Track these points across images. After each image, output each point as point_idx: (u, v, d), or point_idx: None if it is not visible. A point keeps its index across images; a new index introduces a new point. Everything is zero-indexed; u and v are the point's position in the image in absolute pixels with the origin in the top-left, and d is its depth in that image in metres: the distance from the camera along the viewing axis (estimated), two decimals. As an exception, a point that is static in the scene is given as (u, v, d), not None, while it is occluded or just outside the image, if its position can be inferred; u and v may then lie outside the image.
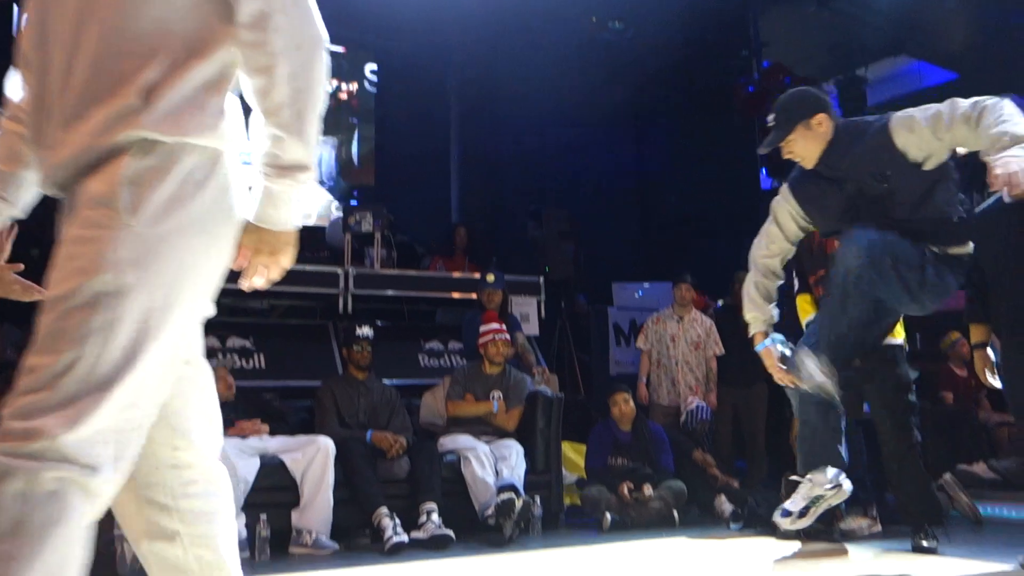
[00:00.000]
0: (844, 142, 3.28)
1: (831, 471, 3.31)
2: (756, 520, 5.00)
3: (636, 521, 5.17)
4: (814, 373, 3.08)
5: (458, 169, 9.59)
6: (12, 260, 1.84)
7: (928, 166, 3.16)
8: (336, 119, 10.06)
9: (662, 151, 10.81)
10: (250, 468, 4.48)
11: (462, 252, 7.69)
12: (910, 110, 3.21)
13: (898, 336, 4.17)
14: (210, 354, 5.69)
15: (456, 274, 6.99)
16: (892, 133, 3.17)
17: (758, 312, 3.47)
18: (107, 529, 3.94)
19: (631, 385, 6.33)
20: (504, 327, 5.59)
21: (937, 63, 9.42)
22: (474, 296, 6.31)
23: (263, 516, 4.36)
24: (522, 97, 9.31)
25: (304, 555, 4.39)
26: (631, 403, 5.79)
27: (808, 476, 3.36)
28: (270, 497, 4.51)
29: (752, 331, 3.52)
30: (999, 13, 8.25)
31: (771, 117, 3.36)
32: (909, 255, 3.11)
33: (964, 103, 3.08)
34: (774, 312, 3.50)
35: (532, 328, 6.88)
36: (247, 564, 4.16)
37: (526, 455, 5.18)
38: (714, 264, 8.83)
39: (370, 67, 10.21)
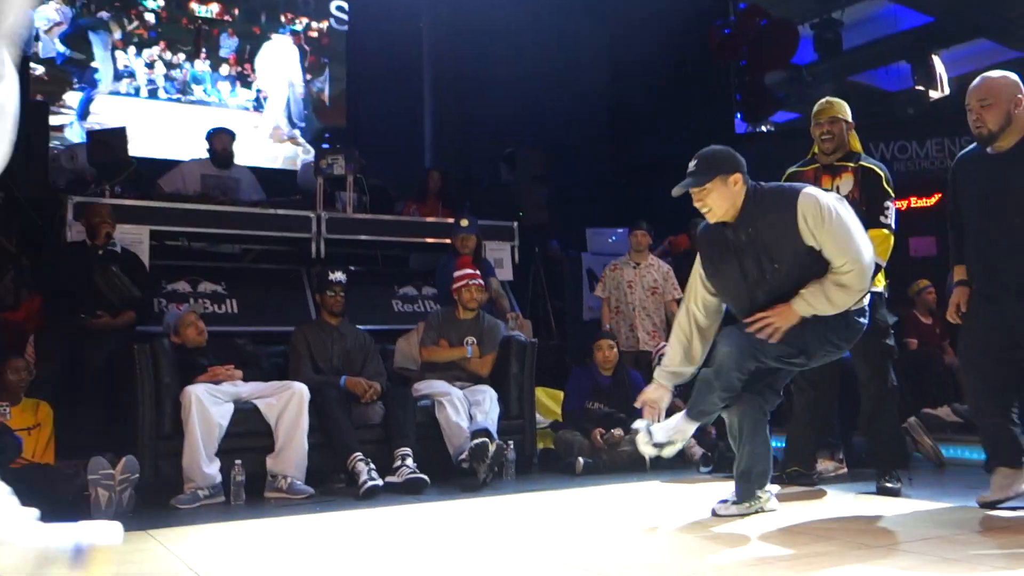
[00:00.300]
0: (749, 209, 3.37)
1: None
2: (726, 464, 5.08)
3: (608, 465, 5.23)
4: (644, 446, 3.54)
5: (431, 111, 9.46)
6: None
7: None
8: (307, 57, 9.89)
9: (637, 94, 10.72)
10: (224, 414, 4.48)
11: (435, 197, 7.62)
12: (815, 194, 3.33)
13: (878, 284, 4.21)
14: (182, 299, 5.69)
15: (430, 219, 6.95)
16: (797, 210, 3.25)
17: (670, 364, 3.62)
18: (81, 474, 3.96)
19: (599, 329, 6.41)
20: (478, 272, 5.58)
21: (913, 6, 9.37)
22: (448, 241, 6.28)
23: (238, 461, 4.38)
24: (496, 39, 9.17)
25: (279, 499, 4.41)
26: (615, 349, 5.83)
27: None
28: (244, 442, 4.53)
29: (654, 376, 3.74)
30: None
31: (692, 164, 3.46)
32: (778, 349, 3.33)
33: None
34: (686, 372, 3.61)
35: (506, 273, 6.88)
36: (222, 508, 4.22)
37: (500, 400, 5.21)
38: (688, 208, 8.84)
39: (337, 4, 9.99)
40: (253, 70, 9.59)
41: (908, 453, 4.83)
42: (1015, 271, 3.51)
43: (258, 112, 9.60)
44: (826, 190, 4.18)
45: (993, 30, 8.67)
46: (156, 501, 4.26)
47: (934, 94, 9.01)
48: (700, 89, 9.81)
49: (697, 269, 3.65)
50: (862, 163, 4.25)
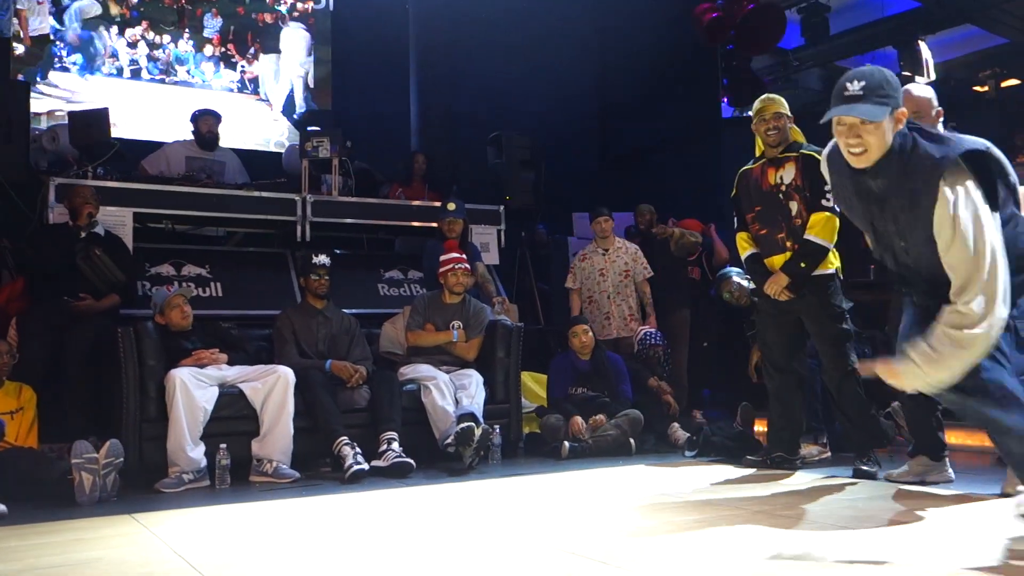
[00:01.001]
0: (893, 162, 2.63)
1: None
2: (711, 447, 5.11)
3: (594, 449, 5.25)
4: None
5: (417, 94, 9.40)
6: None
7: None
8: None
9: (623, 78, 10.70)
10: (209, 397, 4.46)
11: (420, 180, 7.59)
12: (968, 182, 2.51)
13: (830, 266, 4.31)
14: (166, 282, 5.65)
15: (416, 202, 6.91)
16: (940, 186, 2.50)
17: None
18: (65, 458, 3.94)
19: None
20: (464, 256, 5.57)
21: (900, -8, 9.37)
22: (434, 225, 6.26)
23: (223, 445, 4.37)
24: (483, 23, 9.12)
25: (265, 483, 4.40)
26: (590, 334, 5.84)
27: None
28: (230, 426, 4.52)
29: None
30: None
31: (856, 86, 2.60)
32: None
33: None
34: None
35: (492, 258, 6.87)
36: (207, 492, 4.21)
37: (486, 384, 5.22)
38: (675, 192, 8.85)
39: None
40: (237, 50, 9.51)
41: (890, 436, 4.89)
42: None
43: (242, 93, 9.53)
44: (772, 183, 4.31)
45: (979, 16, 8.69)
46: (140, 485, 4.24)
47: (920, 79, 9.03)
48: (686, 74, 9.79)
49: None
50: (803, 151, 4.40)
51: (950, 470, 3.99)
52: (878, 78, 2.61)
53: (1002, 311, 2.41)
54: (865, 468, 4.18)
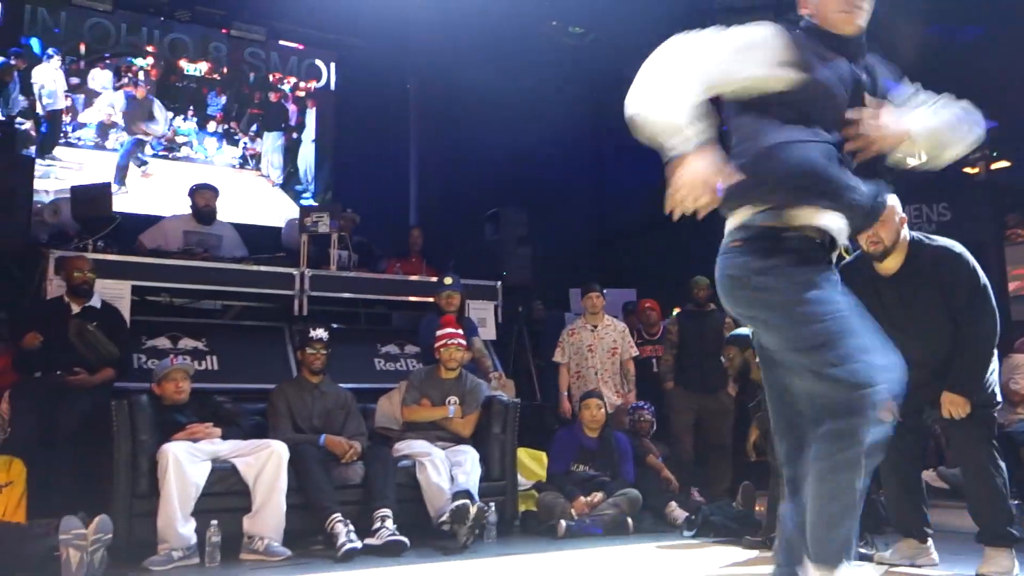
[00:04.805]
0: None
1: None
2: (710, 527, 5.04)
3: (591, 528, 5.17)
4: None
5: (417, 170, 9.55)
6: None
7: None
8: (296, 117, 10.00)
9: (621, 154, 10.85)
10: (201, 473, 4.41)
11: (418, 254, 7.65)
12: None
13: None
14: (162, 354, 5.63)
15: (413, 277, 6.95)
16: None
17: None
18: (53, 534, 3.87)
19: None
20: (461, 332, 5.56)
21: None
22: (431, 300, 6.28)
23: (214, 521, 4.29)
24: (481, 99, 9.29)
25: (256, 561, 4.32)
26: (603, 410, 5.79)
27: None
28: (221, 502, 4.44)
29: None
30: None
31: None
32: None
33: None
34: None
35: (489, 333, 6.87)
36: (196, 570, 4.12)
37: (482, 461, 5.16)
38: (674, 270, 8.88)
39: (324, 63, 10.17)
40: (240, 128, 9.67)
41: (886, 517, 4.83)
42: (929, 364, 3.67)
43: (244, 169, 9.66)
44: None
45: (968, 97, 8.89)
46: (129, 562, 4.16)
47: (912, 161, 9.15)
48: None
49: None
50: None
51: (934, 553, 4.02)
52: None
53: None
54: (862, 551, 4.15)
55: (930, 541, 4.03)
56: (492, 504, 5.07)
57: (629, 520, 5.29)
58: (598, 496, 5.36)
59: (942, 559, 4.01)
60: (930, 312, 3.64)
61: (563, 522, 5.12)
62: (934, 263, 3.63)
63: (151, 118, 9.07)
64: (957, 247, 3.67)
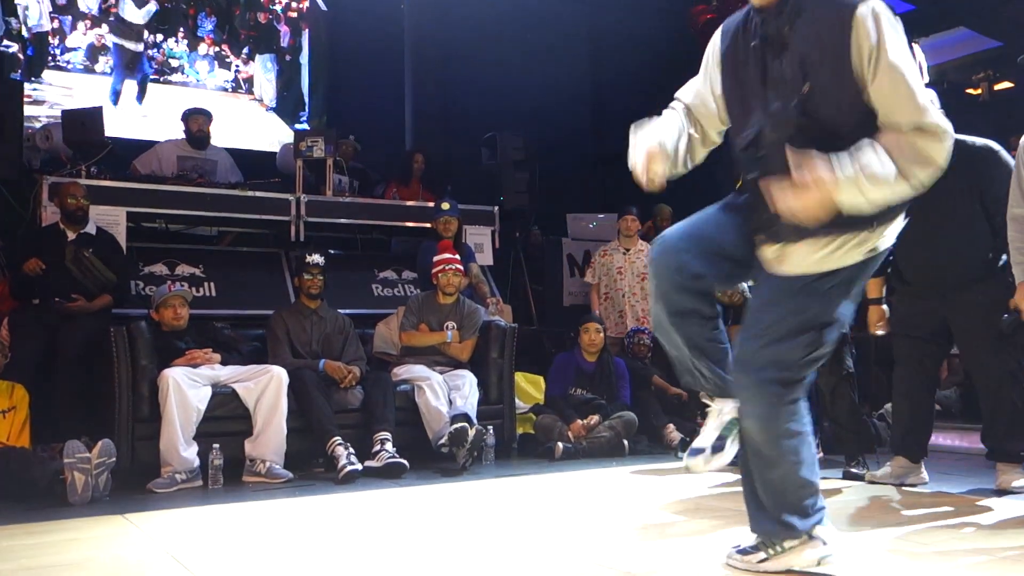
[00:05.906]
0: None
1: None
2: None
3: (587, 450, 5.25)
4: None
5: (412, 94, 9.39)
6: None
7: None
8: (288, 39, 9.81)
9: (618, 78, 10.69)
10: (202, 397, 4.46)
11: (418, 179, 7.59)
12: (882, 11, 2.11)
13: None
14: (159, 281, 5.62)
15: (411, 202, 6.91)
16: (852, 24, 2.11)
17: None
18: (57, 458, 3.93)
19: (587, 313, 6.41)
20: (458, 257, 5.56)
21: (894, -5, 9.41)
22: (428, 225, 6.25)
23: (216, 445, 4.35)
24: (478, 23, 9.11)
25: (258, 484, 4.40)
26: (602, 334, 5.83)
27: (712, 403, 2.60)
28: (223, 426, 4.51)
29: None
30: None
31: None
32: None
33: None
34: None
35: (486, 258, 6.86)
36: (200, 492, 4.19)
37: (480, 385, 5.22)
38: (668, 195, 8.83)
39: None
40: (232, 50, 9.50)
41: (880, 437, 4.91)
42: (954, 269, 3.87)
43: (236, 93, 9.52)
44: None
45: (972, 19, 8.72)
46: (133, 485, 4.23)
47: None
48: (682, 74, 9.77)
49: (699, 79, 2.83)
50: None
51: (924, 473, 4.10)
52: None
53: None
54: (854, 471, 4.26)
55: (922, 461, 4.10)
56: (490, 427, 5.15)
57: (625, 443, 5.37)
58: (595, 419, 5.44)
59: (932, 478, 4.10)
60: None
61: (560, 444, 5.20)
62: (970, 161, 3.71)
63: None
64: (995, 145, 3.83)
